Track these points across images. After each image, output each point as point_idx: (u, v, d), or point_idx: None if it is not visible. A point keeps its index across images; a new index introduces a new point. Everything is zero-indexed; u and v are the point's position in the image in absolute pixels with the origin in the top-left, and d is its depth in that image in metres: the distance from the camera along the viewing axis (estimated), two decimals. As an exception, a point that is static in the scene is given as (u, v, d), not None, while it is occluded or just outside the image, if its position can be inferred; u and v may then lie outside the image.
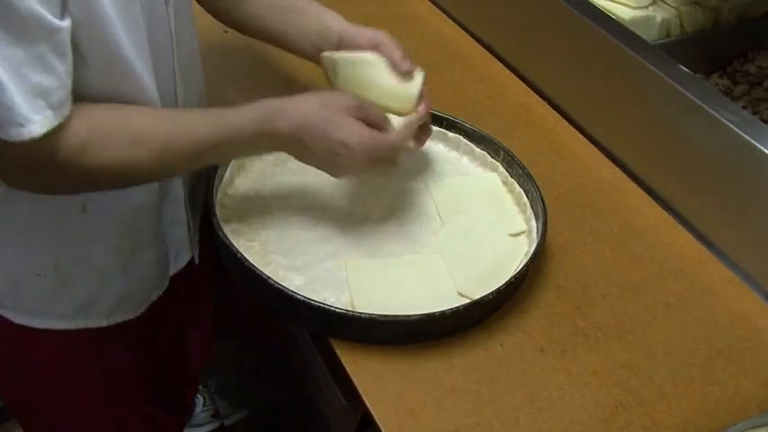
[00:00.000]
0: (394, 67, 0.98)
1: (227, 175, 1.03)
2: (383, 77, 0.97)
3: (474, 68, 1.40)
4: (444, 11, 1.55)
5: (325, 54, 1.01)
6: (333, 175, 0.94)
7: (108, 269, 0.98)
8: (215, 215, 0.94)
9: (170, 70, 0.92)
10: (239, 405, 1.69)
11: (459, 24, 1.52)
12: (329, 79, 1.04)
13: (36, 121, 0.72)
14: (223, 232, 0.92)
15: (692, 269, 1.06)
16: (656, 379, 0.91)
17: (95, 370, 1.09)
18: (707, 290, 1.03)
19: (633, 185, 1.19)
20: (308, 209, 1.02)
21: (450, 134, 1.14)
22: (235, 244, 0.91)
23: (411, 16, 1.54)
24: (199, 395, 1.68)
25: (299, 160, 0.93)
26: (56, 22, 0.71)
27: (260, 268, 0.88)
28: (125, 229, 0.96)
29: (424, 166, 1.11)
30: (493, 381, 0.88)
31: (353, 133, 0.89)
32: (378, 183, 1.08)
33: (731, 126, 1.03)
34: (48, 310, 0.98)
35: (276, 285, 0.86)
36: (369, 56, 0.98)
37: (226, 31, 1.33)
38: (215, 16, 1.11)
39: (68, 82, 0.75)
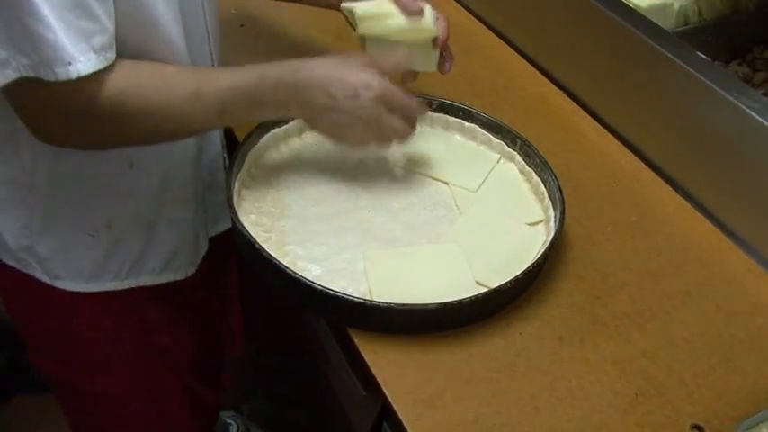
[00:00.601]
0: (404, 11, 1.02)
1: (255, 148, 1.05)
2: (397, 20, 1.03)
3: (490, 59, 1.40)
4: (460, 2, 1.54)
5: (345, 6, 1.08)
6: (345, 138, 0.95)
7: (156, 224, 1.03)
8: (232, 206, 0.95)
9: (203, 36, 0.98)
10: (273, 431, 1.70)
11: (475, 15, 1.51)
12: (351, 25, 1.11)
13: (82, 61, 0.76)
14: (241, 223, 0.93)
15: (711, 257, 1.05)
16: (676, 368, 0.91)
17: (142, 339, 1.12)
18: (727, 278, 1.03)
19: (652, 174, 1.18)
20: (325, 199, 1.02)
21: (467, 124, 1.14)
22: (253, 234, 0.91)
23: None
24: (232, 421, 1.70)
25: (314, 122, 0.95)
26: None
27: (278, 258, 0.89)
28: (169, 183, 1.01)
29: (440, 156, 1.11)
30: (512, 370, 0.88)
31: (375, 76, 0.92)
32: (395, 173, 1.08)
33: (751, 113, 1.02)
34: (102, 272, 1.03)
35: (294, 275, 0.86)
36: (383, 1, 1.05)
37: (242, 25, 1.35)
38: None
39: (110, 27, 0.79)
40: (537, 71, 1.37)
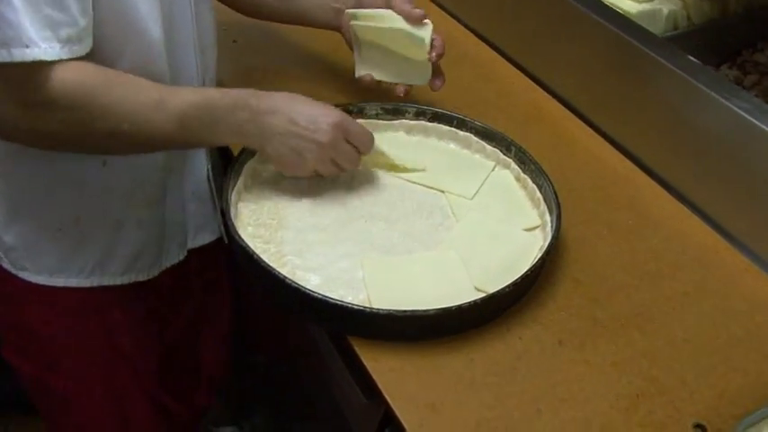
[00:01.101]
0: (406, 18, 1.07)
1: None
2: (398, 25, 1.08)
3: (481, 68, 1.41)
4: (451, 14, 1.55)
5: (349, 11, 1.13)
6: (298, 165, 0.97)
7: (124, 222, 1.03)
8: (230, 218, 0.95)
9: (188, 44, 0.98)
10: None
11: (466, 26, 1.52)
12: (349, 44, 1.17)
13: (42, 48, 0.76)
14: (238, 235, 0.93)
15: (708, 258, 1.06)
16: (676, 368, 0.91)
17: (104, 339, 1.12)
18: (725, 278, 1.03)
19: (646, 178, 1.19)
20: (322, 210, 1.02)
21: (461, 133, 1.14)
22: (251, 246, 0.91)
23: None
24: None
25: (268, 147, 0.95)
26: None
27: (277, 269, 0.89)
28: (140, 182, 1.02)
29: (436, 164, 1.11)
30: (513, 374, 0.88)
31: (335, 110, 0.97)
32: (391, 182, 1.08)
33: (743, 113, 1.03)
34: (66, 267, 1.03)
35: (294, 285, 0.87)
36: (384, 11, 1.10)
37: (235, 41, 1.35)
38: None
39: (82, 22, 0.79)
40: (528, 79, 1.38)
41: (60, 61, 0.79)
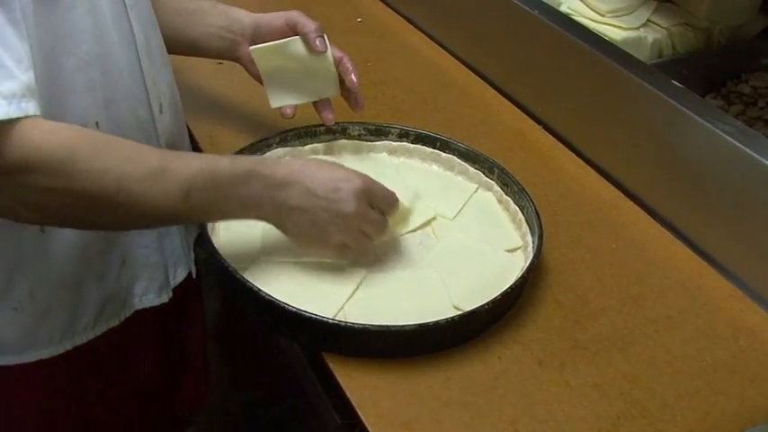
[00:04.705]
0: (309, 49, 1.04)
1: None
2: (303, 59, 1.06)
3: (468, 96, 1.41)
4: (439, 43, 1.56)
5: (253, 47, 1.07)
6: (322, 241, 0.88)
7: (82, 282, 0.95)
8: (205, 231, 0.94)
9: (131, 53, 0.92)
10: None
11: (453, 55, 1.53)
12: (253, 76, 1.12)
13: None
14: (213, 246, 0.91)
15: (692, 283, 1.04)
16: (659, 390, 0.89)
17: (70, 407, 1.05)
18: (708, 303, 1.02)
19: (631, 204, 1.18)
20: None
21: (444, 155, 1.14)
22: (223, 255, 0.90)
23: (406, 48, 1.55)
24: None
25: (287, 224, 0.87)
26: None
27: (251, 281, 0.87)
28: (87, 237, 0.92)
29: (420, 186, 1.10)
30: (491, 393, 0.86)
31: (357, 174, 0.89)
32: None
33: (727, 137, 1.02)
34: (34, 343, 0.94)
35: (267, 297, 0.85)
36: (290, 40, 1.06)
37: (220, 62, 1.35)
38: None
39: (22, 77, 0.72)
40: (514, 106, 1.38)
41: (25, 120, 0.71)
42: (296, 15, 1.05)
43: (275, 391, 1.28)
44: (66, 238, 0.90)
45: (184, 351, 1.23)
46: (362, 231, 0.90)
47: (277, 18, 1.07)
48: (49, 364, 0.97)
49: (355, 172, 0.90)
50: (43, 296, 0.92)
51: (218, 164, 0.83)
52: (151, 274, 1.03)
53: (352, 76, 1.08)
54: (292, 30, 1.06)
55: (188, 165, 0.80)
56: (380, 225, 0.91)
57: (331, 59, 1.06)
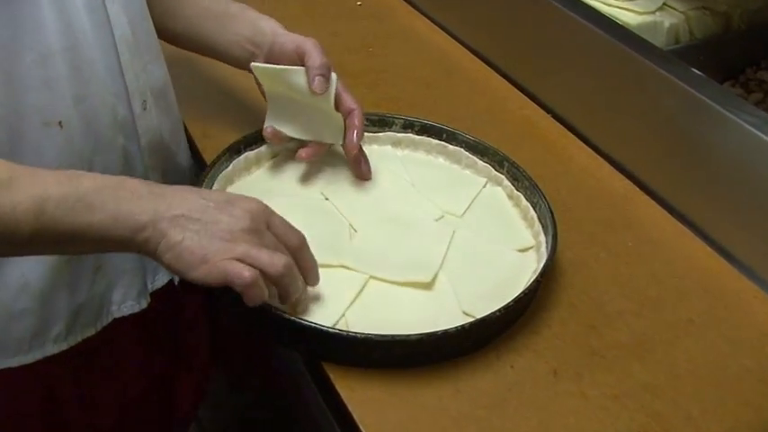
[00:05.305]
0: (309, 85, 0.94)
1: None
2: (305, 94, 0.95)
3: (473, 83, 1.34)
4: (442, 26, 1.50)
5: (254, 64, 0.99)
6: (204, 255, 0.70)
7: (52, 290, 0.88)
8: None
9: (108, 45, 0.85)
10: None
11: (458, 39, 1.46)
12: (262, 92, 1.04)
13: None
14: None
15: (714, 284, 0.98)
16: (681, 402, 0.83)
17: (45, 410, 0.98)
18: (732, 305, 0.96)
19: (646, 198, 1.12)
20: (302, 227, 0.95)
21: (451, 147, 1.08)
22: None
23: (407, 32, 1.48)
24: None
25: (171, 234, 0.69)
26: None
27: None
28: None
29: (424, 182, 1.04)
30: (503, 406, 0.80)
31: (256, 201, 0.76)
32: (374, 197, 1.01)
33: (751, 128, 0.96)
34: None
35: (263, 306, 0.79)
36: (292, 69, 0.96)
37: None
38: None
39: None
40: (522, 94, 1.32)
41: None
42: (308, 45, 0.95)
43: (272, 396, 1.22)
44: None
45: (181, 352, 1.18)
46: (254, 255, 0.72)
47: (291, 42, 0.97)
48: (22, 372, 0.91)
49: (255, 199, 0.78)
50: (6, 303, 0.86)
51: (82, 175, 0.70)
52: (130, 281, 0.97)
53: (354, 136, 0.97)
54: (300, 59, 0.96)
55: (43, 177, 0.68)
56: (275, 259, 0.73)
57: (332, 103, 0.96)
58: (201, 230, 0.70)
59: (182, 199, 0.71)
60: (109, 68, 0.85)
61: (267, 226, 0.75)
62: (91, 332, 0.95)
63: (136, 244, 0.69)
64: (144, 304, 1.00)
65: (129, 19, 0.87)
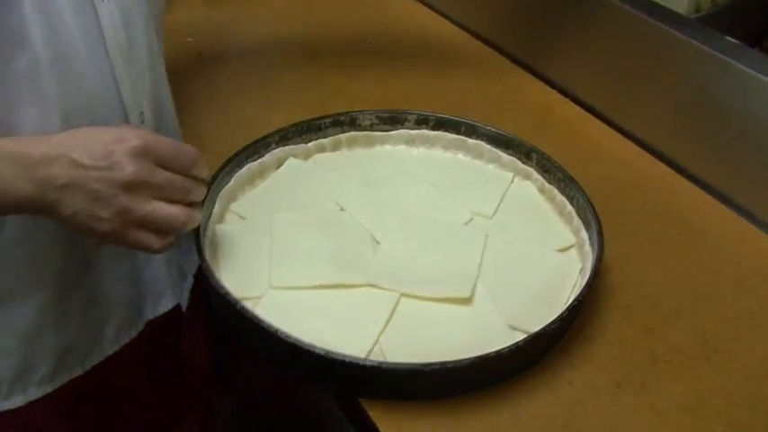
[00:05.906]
0: None
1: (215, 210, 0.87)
2: None
3: (482, 70, 1.26)
4: (441, 13, 1.40)
5: None
6: (101, 224, 0.67)
7: (34, 331, 0.80)
8: (204, 259, 0.78)
9: (99, 55, 0.75)
10: None
11: (460, 25, 1.37)
12: None
13: None
14: (216, 279, 0.76)
15: (771, 269, 0.90)
16: (761, 407, 0.75)
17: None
18: (795, 291, 0.88)
19: (682, 179, 1.04)
20: (316, 242, 0.86)
21: (471, 141, 0.98)
22: (233, 292, 0.74)
23: (406, 21, 1.39)
24: None
25: (61, 209, 0.66)
26: None
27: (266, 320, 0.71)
28: (39, 281, 0.78)
29: (446, 182, 0.95)
30: (567, 429, 0.72)
31: (132, 130, 0.70)
32: (394, 203, 0.92)
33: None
34: None
35: (289, 340, 0.69)
36: None
37: (200, 53, 1.20)
38: None
39: None
40: (536, 78, 1.23)
41: None
42: None
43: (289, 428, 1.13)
44: (8, 286, 0.77)
45: (184, 390, 1.08)
46: (161, 198, 0.69)
47: None
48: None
49: (131, 128, 0.73)
50: None
51: None
52: (124, 314, 0.88)
53: None
54: None
55: None
56: (179, 186, 0.71)
57: None
58: (86, 197, 0.66)
59: (63, 170, 0.65)
60: (101, 81, 0.75)
61: (154, 160, 0.69)
62: (78, 372, 0.86)
63: (33, 212, 0.68)
64: (134, 333, 0.91)
65: (124, 23, 0.76)
